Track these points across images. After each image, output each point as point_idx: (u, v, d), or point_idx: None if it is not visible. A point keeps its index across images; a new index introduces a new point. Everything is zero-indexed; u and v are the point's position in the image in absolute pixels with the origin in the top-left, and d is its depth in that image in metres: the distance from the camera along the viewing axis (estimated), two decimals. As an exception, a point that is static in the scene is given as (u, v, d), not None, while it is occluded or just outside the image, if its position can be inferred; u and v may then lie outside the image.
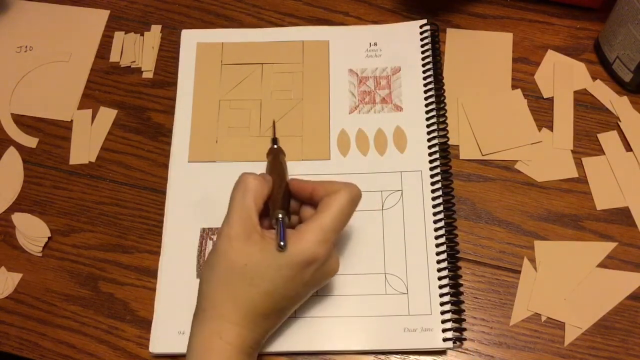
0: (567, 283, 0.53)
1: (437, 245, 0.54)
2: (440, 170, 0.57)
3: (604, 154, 0.58)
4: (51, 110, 0.64)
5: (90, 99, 0.64)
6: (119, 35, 0.67)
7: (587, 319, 0.52)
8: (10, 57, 0.67)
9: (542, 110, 0.61)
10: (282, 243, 0.45)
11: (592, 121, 0.60)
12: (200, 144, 0.60)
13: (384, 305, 0.53)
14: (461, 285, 0.53)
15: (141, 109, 0.63)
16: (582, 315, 0.52)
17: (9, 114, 0.64)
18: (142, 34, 0.67)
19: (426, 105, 0.60)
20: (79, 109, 0.64)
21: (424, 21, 0.64)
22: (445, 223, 0.55)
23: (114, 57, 0.66)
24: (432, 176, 0.57)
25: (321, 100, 0.61)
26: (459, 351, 0.52)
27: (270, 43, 0.64)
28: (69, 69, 0.66)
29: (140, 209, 0.59)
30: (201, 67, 0.63)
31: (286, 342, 0.52)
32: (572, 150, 0.59)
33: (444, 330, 0.51)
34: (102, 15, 0.69)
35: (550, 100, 0.61)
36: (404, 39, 0.63)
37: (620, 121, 0.60)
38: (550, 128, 0.60)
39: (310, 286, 0.48)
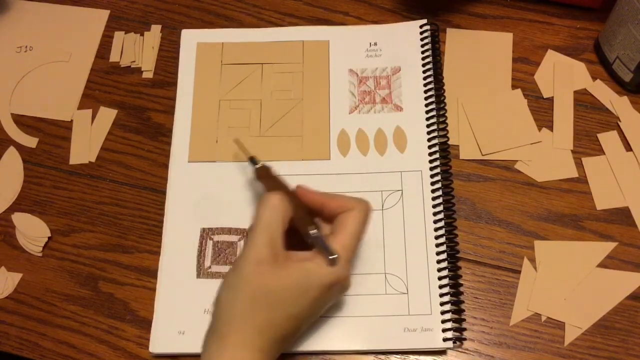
0: (567, 283, 0.53)
1: (437, 245, 0.54)
2: (440, 170, 0.57)
3: (604, 154, 0.58)
4: (51, 110, 0.64)
5: (90, 99, 0.64)
6: (119, 35, 0.67)
7: (587, 319, 0.52)
8: (10, 57, 0.67)
9: (542, 110, 0.61)
10: (334, 256, 0.44)
11: (592, 121, 0.60)
12: (200, 144, 0.60)
13: (384, 305, 0.53)
14: (461, 285, 0.53)
15: (141, 109, 0.63)
16: (582, 315, 0.52)
17: (9, 114, 0.64)
18: (142, 34, 0.67)
19: (426, 105, 0.60)
20: (79, 109, 0.64)
21: (424, 21, 0.64)
22: (445, 223, 0.55)
23: (114, 57, 0.66)
24: (432, 176, 0.57)
25: (321, 100, 0.61)
26: (459, 351, 0.52)
27: (270, 43, 0.64)
28: (69, 69, 0.66)
29: (140, 209, 0.59)
30: (201, 67, 0.63)
31: (286, 342, 0.52)
32: (572, 150, 0.59)
33: (444, 330, 0.51)
34: (102, 15, 0.69)
35: (550, 100, 0.61)
36: (404, 39, 0.63)
37: (620, 121, 0.60)
38: (550, 128, 0.60)
39: (329, 304, 0.48)
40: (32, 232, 0.58)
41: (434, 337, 0.51)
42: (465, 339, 0.52)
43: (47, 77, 0.66)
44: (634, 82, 0.60)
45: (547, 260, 0.54)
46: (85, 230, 0.58)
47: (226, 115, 0.61)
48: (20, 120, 0.64)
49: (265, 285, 0.44)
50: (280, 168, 0.58)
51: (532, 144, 0.59)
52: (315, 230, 0.46)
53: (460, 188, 0.58)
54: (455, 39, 0.64)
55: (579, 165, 0.58)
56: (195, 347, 0.52)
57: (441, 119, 0.59)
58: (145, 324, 0.54)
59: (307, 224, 0.47)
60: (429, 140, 0.58)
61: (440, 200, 0.56)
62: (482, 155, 0.59)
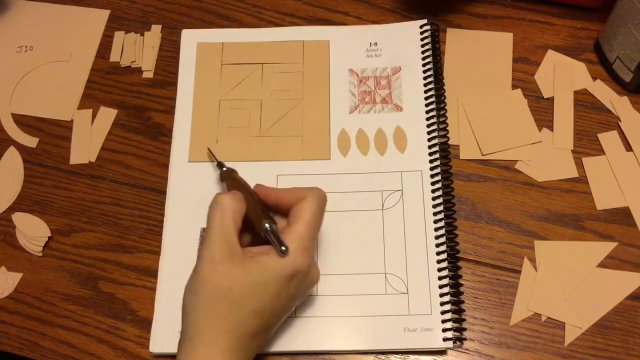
0: (567, 283, 0.53)
1: (437, 245, 0.54)
2: (441, 170, 0.57)
3: (604, 154, 0.58)
4: (51, 110, 0.64)
5: (91, 98, 0.64)
6: (119, 35, 0.67)
7: (587, 319, 0.52)
8: (10, 57, 0.67)
9: (542, 110, 0.61)
10: (283, 248, 0.44)
11: (592, 121, 0.60)
12: (201, 143, 0.60)
13: (384, 305, 0.53)
14: (461, 285, 0.53)
15: (141, 108, 0.63)
16: (582, 315, 0.52)
17: (9, 114, 0.64)
18: (142, 34, 0.67)
19: (426, 105, 0.60)
20: (79, 108, 0.64)
21: (424, 21, 0.64)
22: (445, 223, 0.55)
23: (114, 57, 0.66)
24: (432, 176, 0.57)
25: (321, 100, 0.61)
26: (459, 351, 0.52)
27: (270, 43, 0.64)
28: (69, 69, 0.66)
29: (141, 208, 0.59)
30: (201, 67, 0.63)
31: (286, 342, 0.52)
32: (572, 150, 0.59)
33: (444, 330, 0.51)
34: (102, 15, 0.69)
35: (551, 100, 0.61)
36: (404, 39, 0.63)
37: (620, 121, 0.60)
38: (551, 128, 0.60)
39: (295, 299, 0.47)
40: (32, 232, 0.58)
41: (434, 337, 0.51)
42: (465, 339, 0.52)
43: (47, 77, 0.66)
44: (634, 82, 0.60)
45: (547, 260, 0.54)
46: (86, 230, 0.58)
47: (226, 115, 0.61)
48: (21, 120, 0.64)
49: (223, 283, 0.44)
50: (280, 168, 0.58)
51: (532, 144, 0.59)
52: (267, 225, 0.46)
53: (461, 188, 0.58)
54: (456, 39, 0.64)
55: (579, 165, 0.58)
56: (196, 347, 0.52)
57: (441, 119, 0.59)
58: (145, 324, 0.54)
59: (261, 219, 0.47)
60: (429, 140, 0.58)
61: (440, 200, 0.56)
62: (482, 155, 0.59)
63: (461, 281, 0.54)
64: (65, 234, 0.58)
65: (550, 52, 0.63)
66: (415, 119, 0.60)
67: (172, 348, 0.52)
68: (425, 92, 0.61)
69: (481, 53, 0.64)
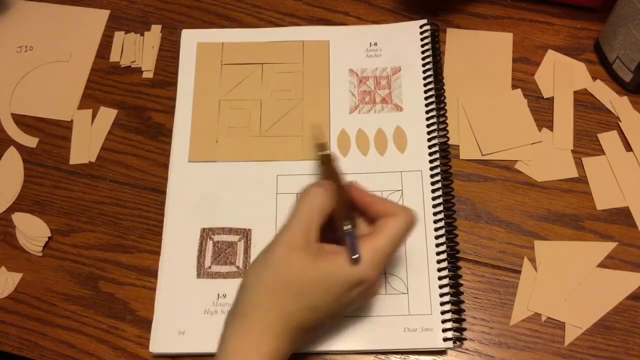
0: (567, 283, 0.53)
1: (437, 245, 0.54)
2: (440, 170, 0.57)
3: (604, 154, 0.58)
4: (51, 110, 0.64)
5: (91, 98, 0.64)
6: (119, 35, 0.67)
7: (587, 319, 0.52)
8: (10, 57, 0.67)
9: (542, 110, 0.61)
10: (356, 256, 0.44)
11: (592, 121, 0.60)
12: (201, 143, 0.60)
13: (384, 305, 0.53)
14: (461, 285, 0.53)
15: (141, 108, 0.63)
16: (582, 315, 0.52)
17: (9, 114, 0.64)
18: (142, 34, 0.67)
19: (426, 105, 0.60)
20: (79, 108, 0.64)
21: (424, 21, 0.64)
22: (445, 223, 0.55)
23: (114, 57, 0.66)
24: (432, 176, 0.57)
25: (321, 100, 0.61)
26: (459, 351, 0.52)
27: (270, 43, 0.64)
28: (69, 69, 0.66)
29: (140, 209, 0.59)
30: (201, 67, 0.63)
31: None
32: (572, 150, 0.59)
33: (444, 330, 0.51)
34: (102, 15, 0.69)
35: (551, 100, 0.61)
36: (404, 39, 0.63)
37: (620, 121, 0.60)
38: (551, 128, 0.60)
39: (351, 305, 0.47)
40: (32, 232, 0.58)
41: (434, 337, 0.51)
42: (465, 339, 0.52)
43: (47, 77, 0.66)
44: (634, 82, 0.60)
45: (547, 260, 0.54)
46: (86, 230, 0.58)
47: (226, 115, 0.61)
48: (21, 120, 0.64)
49: (293, 271, 0.44)
50: (280, 168, 0.58)
51: (532, 144, 0.59)
52: (349, 226, 0.45)
53: (460, 188, 0.58)
54: (456, 39, 0.64)
55: (579, 165, 0.58)
56: (196, 347, 0.52)
57: (441, 119, 0.59)
58: (145, 324, 0.54)
59: (344, 219, 0.46)
60: (429, 140, 0.58)
61: (440, 200, 0.56)
62: (482, 155, 0.59)
63: (461, 281, 0.54)
64: (65, 234, 0.58)
65: (550, 52, 0.63)
66: (415, 119, 0.60)
67: (172, 348, 0.52)
68: (425, 92, 0.61)
69: (481, 53, 0.64)
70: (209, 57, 0.64)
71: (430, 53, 0.62)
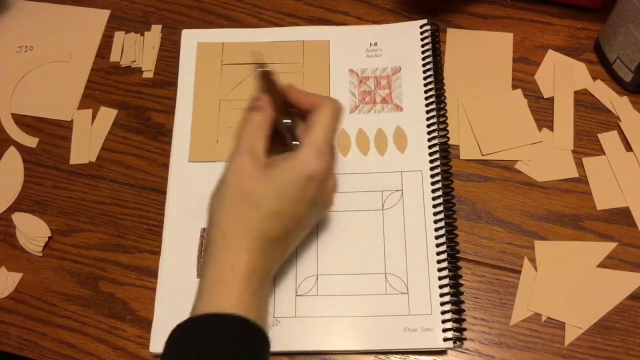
0: (567, 283, 0.53)
1: (437, 245, 0.54)
2: (441, 170, 0.57)
3: (604, 154, 0.58)
4: (51, 110, 0.64)
5: (91, 98, 0.64)
6: (119, 35, 0.67)
7: (587, 319, 0.52)
8: (10, 57, 0.67)
9: (542, 110, 0.61)
10: (296, 142, 0.47)
11: (592, 121, 0.60)
12: (201, 143, 0.60)
13: (384, 305, 0.53)
14: (461, 285, 0.53)
15: (141, 108, 0.63)
16: (582, 315, 0.52)
17: (9, 114, 0.64)
18: (142, 34, 0.67)
19: (426, 105, 0.60)
20: (79, 108, 0.64)
21: (424, 21, 0.64)
22: (445, 223, 0.55)
23: (114, 57, 0.66)
24: (432, 176, 0.57)
25: (321, 100, 0.61)
26: (459, 351, 0.52)
27: (270, 43, 0.64)
28: (69, 69, 0.66)
29: (141, 209, 0.59)
30: (201, 67, 0.63)
31: (286, 342, 0.52)
32: (572, 150, 0.59)
33: (444, 330, 0.51)
34: (102, 15, 0.69)
35: (551, 100, 0.61)
36: (404, 39, 0.63)
37: (620, 121, 0.60)
38: (551, 128, 0.60)
39: (314, 205, 0.49)
40: (32, 232, 0.58)
41: (434, 337, 0.51)
42: (465, 339, 0.52)
43: (47, 77, 0.66)
44: (634, 82, 0.60)
45: (547, 260, 0.54)
46: (86, 230, 0.58)
47: (226, 115, 0.61)
48: (21, 120, 0.64)
49: (246, 186, 0.46)
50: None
51: (532, 144, 0.59)
52: (288, 121, 0.49)
53: (461, 188, 0.58)
54: (456, 39, 0.64)
55: (579, 165, 0.58)
56: (196, 347, 0.52)
57: (441, 119, 0.59)
58: (145, 324, 0.54)
59: (282, 117, 0.49)
60: (429, 140, 0.58)
61: (440, 200, 0.56)
62: (482, 155, 0.59)
63: (461, 281, 0.54)
64: (65, 234, 0.58)
65: (550, 52, 0.63)
66: (415, 119, 0.60)
67: (172, 348, 0.52)
68: (425, 92, 0.61)
69: (481, 53, 0.64)
70: (209, 57, 0.64)
71: (431, 53, 0.62)
